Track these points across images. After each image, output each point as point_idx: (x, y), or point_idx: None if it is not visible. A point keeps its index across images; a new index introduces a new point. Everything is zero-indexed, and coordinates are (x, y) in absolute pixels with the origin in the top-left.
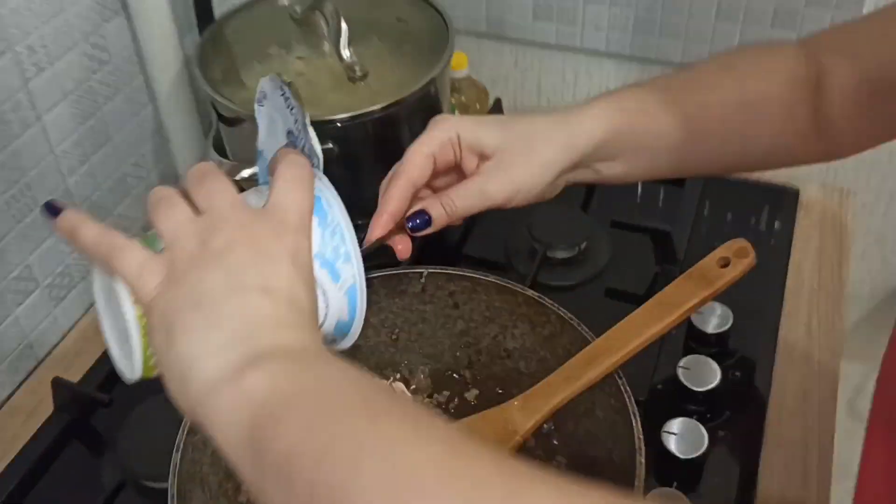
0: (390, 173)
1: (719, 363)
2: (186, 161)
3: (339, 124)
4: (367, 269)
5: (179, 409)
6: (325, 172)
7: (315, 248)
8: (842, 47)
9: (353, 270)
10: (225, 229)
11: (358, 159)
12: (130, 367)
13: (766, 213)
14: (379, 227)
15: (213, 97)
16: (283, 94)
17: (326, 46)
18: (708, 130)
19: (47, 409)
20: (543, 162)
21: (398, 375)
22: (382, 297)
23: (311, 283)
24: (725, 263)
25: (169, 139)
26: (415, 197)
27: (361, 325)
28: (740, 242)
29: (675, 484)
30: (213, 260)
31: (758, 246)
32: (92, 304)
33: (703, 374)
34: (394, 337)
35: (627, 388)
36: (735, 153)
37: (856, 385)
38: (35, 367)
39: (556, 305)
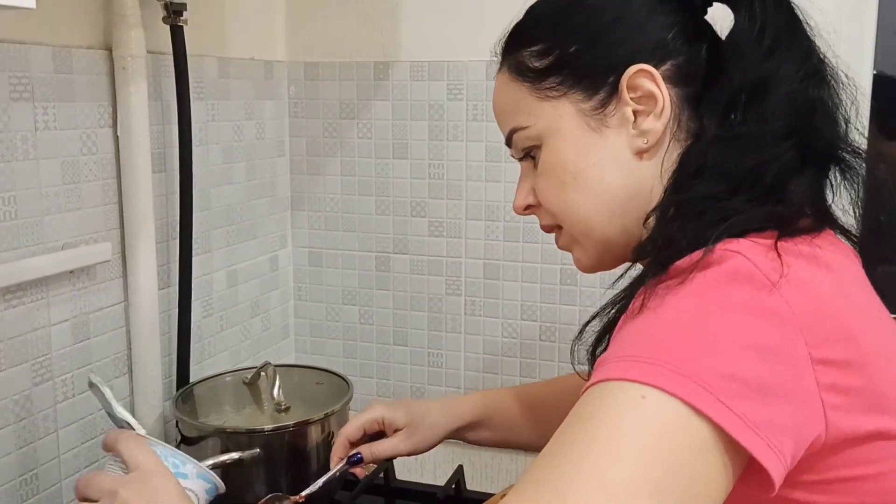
0: (341, 430)
1: None
2: None
3: (265, 432)
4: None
5: None
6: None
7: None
8: None
9: (194, 468)
10: (120, 492)
11: (277, 459)
12: None
13: None
14: (333, 462)
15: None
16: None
17: (264, 399)
18: (538, 422)
19: None
20: (434, 435)
21: None
22: None
23: (178, 488)
24: None
25: None
26: (352, 446)
27: (222, 483)
28: None
29: None
30: None
31: None
32: None
33: None
34: None
35: None
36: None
37: None
38: None
39: None
